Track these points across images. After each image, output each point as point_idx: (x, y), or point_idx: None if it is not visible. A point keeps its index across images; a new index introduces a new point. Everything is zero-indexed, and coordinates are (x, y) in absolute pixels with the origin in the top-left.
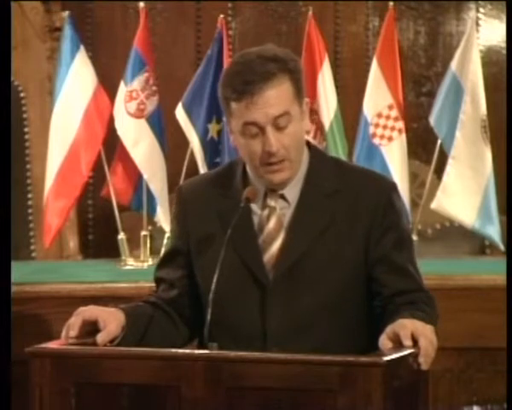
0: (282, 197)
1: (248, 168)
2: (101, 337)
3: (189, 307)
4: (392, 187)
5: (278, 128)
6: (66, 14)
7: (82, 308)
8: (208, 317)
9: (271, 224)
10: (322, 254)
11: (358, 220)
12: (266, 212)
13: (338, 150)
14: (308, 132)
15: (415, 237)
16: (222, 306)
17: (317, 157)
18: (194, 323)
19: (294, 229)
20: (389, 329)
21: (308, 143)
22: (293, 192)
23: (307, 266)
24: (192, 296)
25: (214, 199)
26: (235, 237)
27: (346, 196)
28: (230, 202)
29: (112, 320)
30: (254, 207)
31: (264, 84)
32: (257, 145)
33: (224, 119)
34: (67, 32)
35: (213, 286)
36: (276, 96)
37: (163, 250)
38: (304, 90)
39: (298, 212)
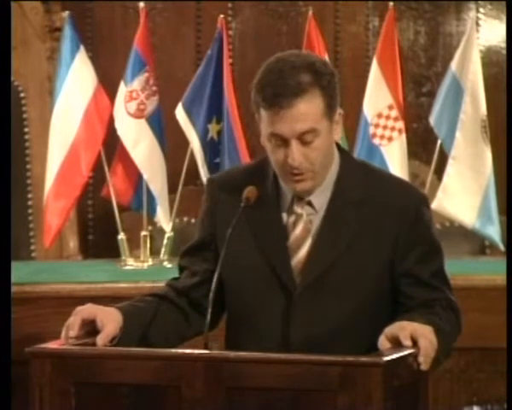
0: (309, 204)
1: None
2: (100, 339)
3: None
4: (422, 199)
5: (303, 143)
6: (66, 14)
7: (80, 307)
8: (208, 317)
9: (298, 230)
10: (349, 264)
11: (385, 232)
12: (293, 218)
13: None
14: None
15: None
16: (248, 305)
17: (347, 163)
18: (213, 316)
19: (322, 238)
20: (388, 330)
21: (339, 147)
22: (320, 199)
23: (334, 276)
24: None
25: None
26: (263, 240)
27: (375, 205)
28: (260, 202)
29: (110, 321)
30: (284, 209)
31: (293, 98)
32: (281, 154)
33: (225, 118)
34: (67, 32)
35: (213, 286)
36: (304, 113)
37: (185, 246)
38: (337, 101)
39: (325, 220)
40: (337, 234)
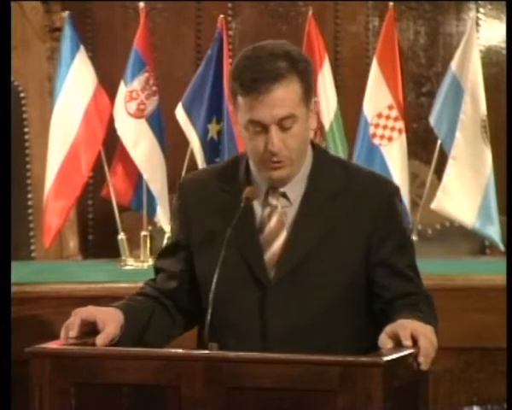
0: (284, 196)
1: (251, 164)
2: (100, 339)
3: (187, 300)
4: (395, 191)
5: (282, 129)
6: (66, 14)
7: (80, 308)
8: (208, 317)
9: (273, 222)
10: (325, 256)
11: (360, 223)
12: (268, 210)
13: (338, 150)
14: (314, 130)
15: (415, 237)
16: (222, 303)
17: (321, 157)
18: (190, 314)
19: (297, 230)
20: (389, 328)
21: (312, 143)
22: (295, 191)
23: (309, 267)
24: (191, 290)
25: (216, 194)
26: (236, 234)
27: (349, 198)
28: (232, 198)
29: (110, 321)
30: (255, 205)
31: (271, 83)
32: (260, 142)
33: (225, 118)
34: (67, 32)
35: (213, 286)
36: (282, 98)
37: (166, 244)
38: (313, 88)
39: (300, 212)
40: (312, 227)
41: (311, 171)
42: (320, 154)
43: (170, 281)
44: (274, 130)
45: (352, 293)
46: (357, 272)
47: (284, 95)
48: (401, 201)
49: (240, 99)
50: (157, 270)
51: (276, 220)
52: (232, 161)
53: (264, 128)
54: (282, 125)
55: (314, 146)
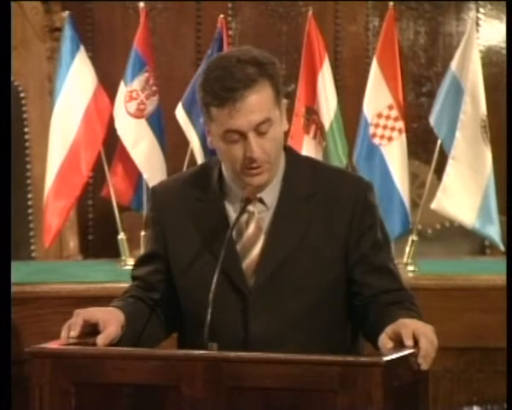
0: (261, 201)
1: (225, 171)
2: (101, 340)
3: (168, 309)
4: (368, 187)
5: (260, 134)
6: (66, 14)
7: (81, 309)
8: (208, 317)
9: (250, 229)
10: (303, 258)
11: (336, 222)
12: (245, 217)
13: (338, 150)
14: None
15: (415, 238)
16: (203, 311)
17: (293, 160)
18: (172, 322)
19: (274, 235)
20: (389, 328)
21: (284, 147)
22: (270, 196)
23: (288, 271)
24: (170, 298)
25: (190, 202)
26: (213, 243)
27: (323, 198)
28: (206, 206)
29: (112, 322)
30: (231, 212)
31: (245, 90)
32: (238, 150)
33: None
34: (67, 32)
35: (213, 286)
36: (257, 103)
37: (142, 253)
38: (282, 92)
39: (276, 217)
40: (288, 230)
41: (285, 174)
42: (291, 156)
43: (152, 292)
44: (252, 136)
45: (332, 292)
46: (336, 272)
47: (258, 100)
48: (375, 196)
49: (214, 110)
50: (135, 278)
51: (254, 227)
52: (202, 169)
53: (241, 136)
54: (259, 130)
55: (285, 148)
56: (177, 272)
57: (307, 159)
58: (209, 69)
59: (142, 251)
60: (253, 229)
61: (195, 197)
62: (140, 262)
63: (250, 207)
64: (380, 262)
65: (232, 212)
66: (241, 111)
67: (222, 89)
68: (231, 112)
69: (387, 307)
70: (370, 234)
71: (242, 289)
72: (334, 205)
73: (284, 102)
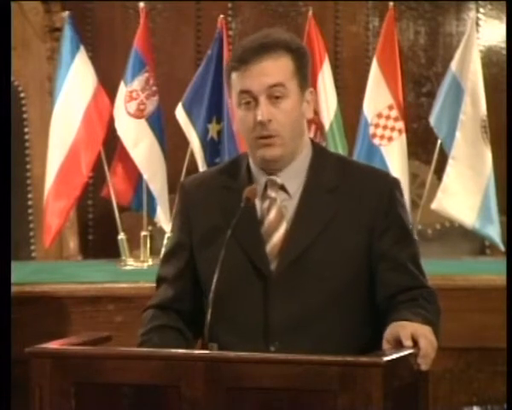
0: (283, 189)
1: (251, 160)
2: None
3: (190, 304)
4: (395, 183)
5: (272, 100)
6: (66, 14)
7: None
8: (208, 317)
9: (272, 215)
10: (326, 248)
11: (361, 216)
12: (267, 203)
13: (338, 150)
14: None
15: (415, 238)
16: (224, 297)
17: (320, 153)
18: (196, 321)
19: (298, 222)
20: (388, 334)
21: (312, 140)
22: (294, 184)
23: (311, 259)
24: (194, 291)
25: (218, 193)
26: (236, 228)
27: (349, 192)
28: (234, 196)
29: None
30: (257, 199)
31: (261, 54)
32: (250, 116)
33: (225, 118)
34: (67, 32)
35: (213, 286)
36: (272, 68)
37: (163, 250)
38: (308, 78)
39: (301, 205)
40: (312, 219)
41: (310, 165)
42: (319, 149)
43: (171, 289)
44: (263, 100)
45: (354, 285)
46: (359, 265)
47: (273, 65)
48: (402, 193)
49: (233, 75)
50: (159, 279)
51: (275, 213)
52: (232, 161)
53: (254, 99)
54: (272, 93)
55: (313, 143)
56: (200, 262)
57: (334, 154)
58: (239, 44)
59: (167, 245)
60: (275, 215)
61: (222, 186)
62: (164, 258)
63: (272, 194)
64: (401, 260)
65: (257, 200)
66: (253, 72)
67: (240, 52)
68: (245, 73)
69: (397, 307)
70: (394, 230)
71: (264, 272)
72: (359, 198)
73: (310, 89)
